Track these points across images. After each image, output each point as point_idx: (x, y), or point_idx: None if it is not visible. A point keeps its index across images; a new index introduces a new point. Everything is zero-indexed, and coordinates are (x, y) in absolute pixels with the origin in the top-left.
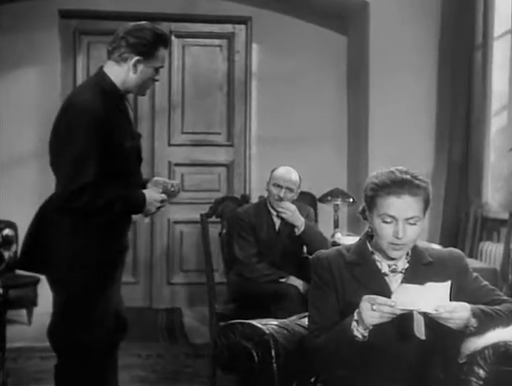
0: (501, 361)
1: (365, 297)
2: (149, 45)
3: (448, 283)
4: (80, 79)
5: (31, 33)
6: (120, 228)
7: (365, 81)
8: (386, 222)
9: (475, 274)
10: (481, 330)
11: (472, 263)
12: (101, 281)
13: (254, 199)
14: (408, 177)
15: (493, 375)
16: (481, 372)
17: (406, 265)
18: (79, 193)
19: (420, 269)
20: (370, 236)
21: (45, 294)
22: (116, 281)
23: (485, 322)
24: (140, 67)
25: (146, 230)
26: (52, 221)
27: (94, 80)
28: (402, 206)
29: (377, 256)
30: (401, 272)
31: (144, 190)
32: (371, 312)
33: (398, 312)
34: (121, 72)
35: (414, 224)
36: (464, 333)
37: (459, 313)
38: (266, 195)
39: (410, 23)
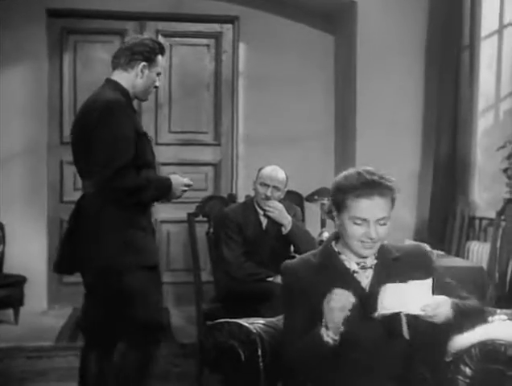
0: (487, 359)
1: (324, 301)
2: (151, 51)
3: (430, 280)
4: (67, 77)
5: (18, 31)
6: (148, 216)
7: (352, 80)
8: (357, 224)
9: (440, 271)
10: (456, 322)
11: (459, 262)
12: (151, 265)
13: (241, 199)
14: (376, 178)
15: (480, 373)
16: (468, 371)
17: (375, 261)
18: (122, 171)
19: (389, 264)
20: (336, 237)
21: (32, 294)
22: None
23: (459, 314)
24: (146, 72)
25: None
26: (97, 216)
27: (108, 86)
28: (373, 208)
29: (344, 256)
30: (370, 267)
31: (172, 176)
32: (332, 312)
33: (352, 299)
34: (130, 78)
35: (385, 224)
36: (444, 329)
37: (442, 307)
38: (253, 194)
39: (398, 23)
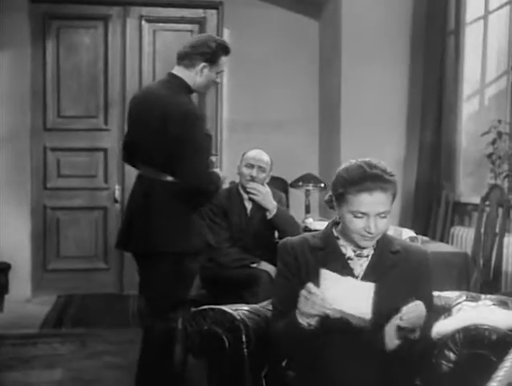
0: (471, 344)
1: (307, 284)
2: (214, 53)
3: (372, 285)
4: (50, 63)
5: (0, 17)
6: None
7: (337, 66)
8: (358, 217)
9: (432, 286)
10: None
11: (444, 247)
12: (201, 249)
13: (225, 184)
14: (378, 172)
15: (464, 358)
16: (452, 355)
17: (372, 251)
18: (210, 178)
19: (387, 256)
20: (336, 222)
21: (16, 281)
22: None
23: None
24: (205, 71)
25: (117, 216)
26: (168, 204)
27: (175, 83)
28: (373, 202)
29: (341, 241)
30: (366, 256)
31: (217, 170)
32: (305, 301)
33: (328, 312)
34: (191, 76)
35: (385, 217)
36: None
37: (417, 311)
38: (237, 180)
39: (383, 8)
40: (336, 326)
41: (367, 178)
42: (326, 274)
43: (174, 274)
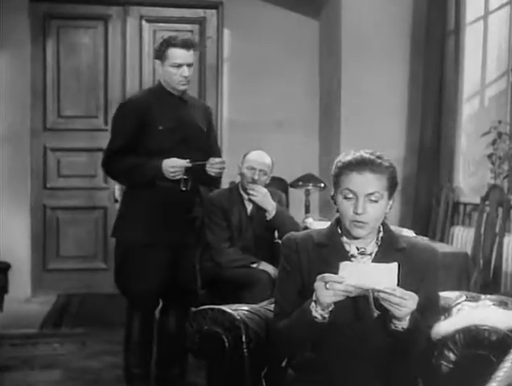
0: (471, 345)
1: (319, 276)
2: (159, 50)
3: (395, 264)
4: (50, 63)
5: (0, 17)
6: (157, 197)
7: (337, 66)
8: (348, 198)
9: (438, 284)
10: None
11: (444, 247)
12: (142, 242)
13: (225, 185)
14: (372, 157)
15: (464, 358)
16: (452, 356)
17: (376, 249)
18: (108, 159)
19: (391, 253)
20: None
21: (15, 281)
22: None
23: (414, 326)
24: (160, 68)
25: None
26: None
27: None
28: (362, 182)
29: (345, 238)
30: (370, 254)
31: (165, 160)
32: (325, 291)
33: (351, 289)
34: (160, 77)
35: (376, 201)
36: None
37: (409, 300)
38: (237, 180)
39: (383, 8)
40: (346, 321)
41: (360, 159)
42: (346, 265)
43: (119, 262)
